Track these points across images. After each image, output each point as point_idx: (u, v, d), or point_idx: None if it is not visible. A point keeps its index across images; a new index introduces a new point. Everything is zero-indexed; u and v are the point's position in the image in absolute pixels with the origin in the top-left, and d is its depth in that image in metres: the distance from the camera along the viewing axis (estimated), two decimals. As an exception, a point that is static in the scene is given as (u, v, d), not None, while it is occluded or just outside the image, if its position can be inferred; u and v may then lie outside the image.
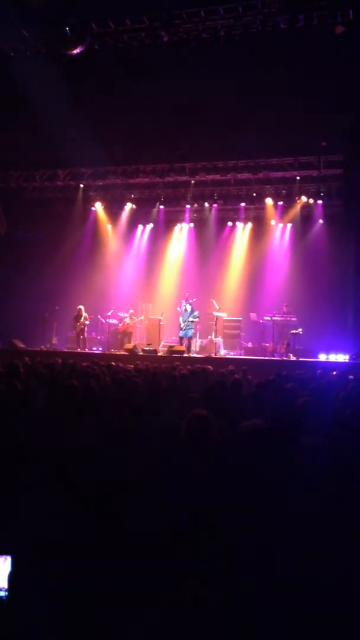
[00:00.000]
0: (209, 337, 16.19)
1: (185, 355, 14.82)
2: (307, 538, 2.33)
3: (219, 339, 16.28)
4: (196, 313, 15.72)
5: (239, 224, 18.97)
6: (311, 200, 17.05)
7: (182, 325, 15.72)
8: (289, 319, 15.83)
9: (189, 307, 15.76)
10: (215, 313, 16.25)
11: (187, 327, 15.62)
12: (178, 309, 16.08)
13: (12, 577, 2.00)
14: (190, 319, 15.61)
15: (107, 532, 2.34)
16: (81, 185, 18.52)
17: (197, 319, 15.79)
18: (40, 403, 5.21)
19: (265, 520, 2.46)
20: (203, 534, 2.37)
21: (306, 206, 17.38)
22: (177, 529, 2.40)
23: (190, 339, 15.74)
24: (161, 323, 17.19)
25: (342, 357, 14.47)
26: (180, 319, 15.82)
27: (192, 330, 15.81)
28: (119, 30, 13.72)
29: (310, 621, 1.96)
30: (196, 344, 16.75)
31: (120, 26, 13.64)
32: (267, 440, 3.23)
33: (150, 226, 19.67)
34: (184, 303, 15.92)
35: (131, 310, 17.51)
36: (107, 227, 19.77)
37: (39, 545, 2.22)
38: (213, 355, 15.27)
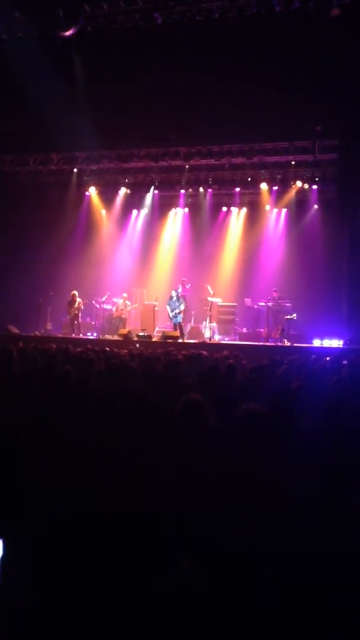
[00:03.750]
0: (203, 322, 16.20)
1: (180, 340, 14.87)
2: (303, 520, 2.34)
3: (214, 324, 16.30)
4: (182, 305, 15.84)
5: (234, 209, 18.92)
6: (306, 185, 17.02)
7: (170, 315, 15.86)
8: (283, 304, 15.84)
9: (174, 294, 15.86)
10: (209, 298, 16.25)
11: (176, 315, 15.76)
12: (173, 291, 16.11)
13: (3, 561, 2.01)
14: (177, 311, 15.76)
15: (101, 515, 2.35)
16: (75, 170, 18.39)
17: (182, 309, 15.90)
18: (35, 388, 5.21)
19: (262, 502, 2.47)
20: (199, 517, 2.38)
21: (301, 191, 17.34)
22: (172, 511, 2.41)
23: (181, 324, 15.87)
24: (156, 308, 17.18)
25: (336, 343, 14.50)
26: (168, 307, 15.96)
27: (181, 317, 15.93)
28: (112, 12, 13.53)
29: (307, 609, 1.98)
30: (188, 329, 16.90)
31: (114, 8, 13.45)
32: (264, 423, 3.24)
33: (144, 211, 19.62)
34: (180, 288, 16.03)
35: (125, 294, 17.48)
36: (102, 211, 19.69)
37: (31, 529, 2.23)
38: (207, 340, 15.30)
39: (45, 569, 2.08)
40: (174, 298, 15.93)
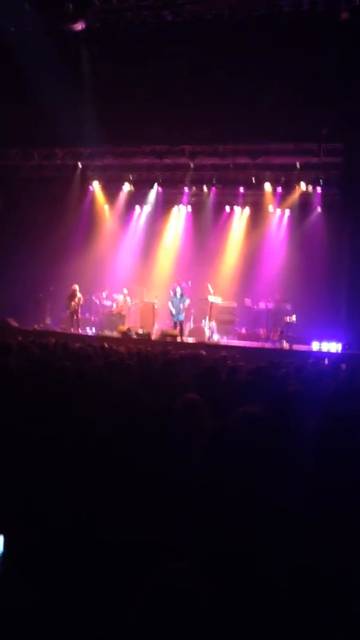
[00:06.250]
0: (203, 321, 16.18)
1: (179, 339, 14.85)
2: (301, 521, 2.35)
3: (213, 324, 16.28)
4: (187, 300, 15.80)
5: (237, 209, 18.91)
6: (310, 188, 17.00)
7: (173, 311, 15.78)
8: (283, 306, 15.83)
9: (178, 291, 15.81)
10: (210, 298, 16.24)
11: (179, 312, 15.70)
12: (171, 292, 16.10)
13: (3, 558, 2.00)
14: (181, 307, 15.70)
15: (102, 512, 2.35)
16: (79, 165, 18.38)
17: (186, 304, 15.85)
18: (31, 383, 5.20)
19: (260, 503, 2.48)
20: (198, 517, 2.39)
21: (305, 193, 17.32)
22: (171, 509, 2.42)
23: (182, 323, 15.81)
24: (155, 307, 17.17)
25: (334, 346, 14.50)
26: (170, 304, 15.87)
27: (183, 314, 15.86)
28: (122, 7, 13.52)
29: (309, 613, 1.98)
30: (187, 328, 16.87)
31: (124, 3, 13.44)
32: (260, 426, 3.25)
33: (147, 208, 19.59)
34: (178, 289, 15.96)
35: (125, 290, 17.47)
36: (105, 207, 19.68)
37: (32, 525, 2.22)
38: (206, 340, 15.29)
39: (45, 567, 2.08)
40: (178, 295, 15.83)
